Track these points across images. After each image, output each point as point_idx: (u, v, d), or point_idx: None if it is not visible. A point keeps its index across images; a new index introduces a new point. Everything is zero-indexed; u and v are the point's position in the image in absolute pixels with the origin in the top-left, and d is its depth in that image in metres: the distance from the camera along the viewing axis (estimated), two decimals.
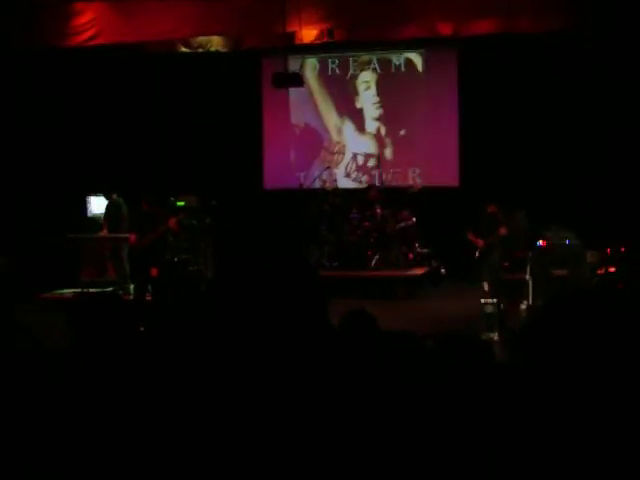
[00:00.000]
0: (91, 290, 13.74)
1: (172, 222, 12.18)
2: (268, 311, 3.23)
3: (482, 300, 10.55)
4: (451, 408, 3.04)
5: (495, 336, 9.94)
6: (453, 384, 3.11)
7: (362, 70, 16.77)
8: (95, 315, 3.99)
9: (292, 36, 14.30)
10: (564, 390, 3.20)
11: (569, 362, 3.19)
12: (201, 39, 15.15)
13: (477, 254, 12.73)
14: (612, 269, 12.00)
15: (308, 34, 14.46)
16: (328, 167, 16.40)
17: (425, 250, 14.97)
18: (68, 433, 3.25)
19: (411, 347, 3.27)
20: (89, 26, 15.02)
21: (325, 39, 14.61)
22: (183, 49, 15.33)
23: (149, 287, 12.23)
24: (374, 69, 16.70)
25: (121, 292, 13.58)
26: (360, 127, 16.83)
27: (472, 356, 3.36)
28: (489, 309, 10.12)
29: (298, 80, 14.12)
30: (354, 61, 16.76)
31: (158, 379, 3.59)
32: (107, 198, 14.15)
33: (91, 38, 14.96)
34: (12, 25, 14.54)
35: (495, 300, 10.28)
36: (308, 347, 3.16)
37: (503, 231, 12.52)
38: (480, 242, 12.64)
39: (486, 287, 12.34)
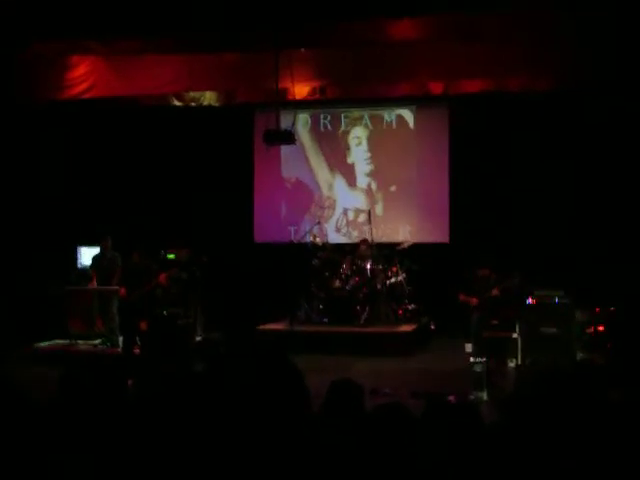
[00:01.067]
0: (80, 342, 13.75)
1: (162, 277, 12.21)
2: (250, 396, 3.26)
3: (471, 359, 10.57)
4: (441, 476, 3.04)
5: (484, 395, 9.94)
6: (442, 455, 3.11)
7: (354, 126, 16.90)
8: (85, 372, 3.98)
9: (284, 92, 14.42)
10: (548, 453, 3.21)
11: (553, 428, 3.20)
12: (194, 94, 15.26)
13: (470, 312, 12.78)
14: (601, 328, 12.01)
15: (300, 90, 14.57)
16: (319, 222, 16.42)
17: (415, 306, 14.94)
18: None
19: (399, 420, 3.27)
20: (83, 79, 15.11)
21: (317, 96, 14.74)
22: (176, 103, 15.43)
23: (138, 340, 12.20)
24: (365, 125, 16.83)
25: (109, 344, 13.56)
26: (351, 182, 16.91)
27: (460, 422, 3.36)
28: (478, 368, 10.12)
29: (290, 138, 14.17)
30: (346, 117, 16.90)
31: (146, 433, 3.59)
32: (102, 249, 14.12)
33: (85, 91, 15.03)
34: (9, 78, 14.60)
35: (484, 359, 10.28)
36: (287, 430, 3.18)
37: (495, 292, 12.58)
38: (474, 300, 12.68)
39: (468, 349, 12.39)
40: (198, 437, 3.51)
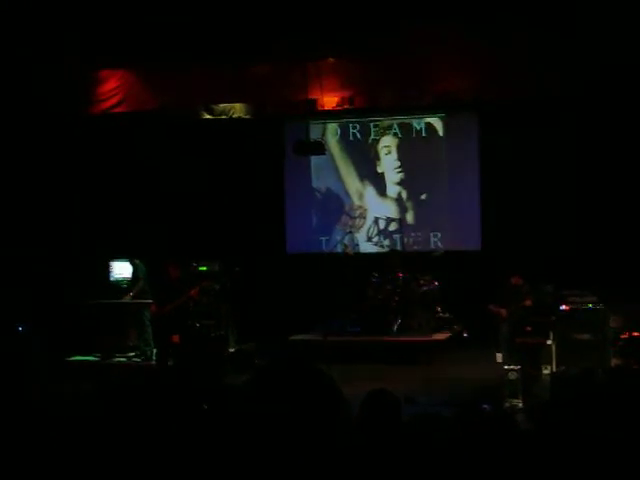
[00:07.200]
0: (113, 356, 13.82)
1: (194, 292, 12.23)
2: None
3: (505, 367, 10.51)
4: None
5: (520, 403, 9.86)
6: (479, 463, 3.10)
7: (383, 135, 16.86)
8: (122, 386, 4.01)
9: (314, 103, 14.46)
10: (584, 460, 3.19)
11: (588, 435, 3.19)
12: (224, 106, 15.30)
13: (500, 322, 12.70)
14: (636, 333, 11.91)
15: (329, 101, 14.59)
16: (350, 231, 16.40)
17: (447, 314, 14.88)
18: None
19: (436, 430, 3.26)
20: (113, 93, 15.24)
21: (346, 106, 14.73)
22: (206, 116, 15.49)
23: (171, 353, 12.20)
24: (395, 134, 16.79)
25: (143, 358, 13.61)
26: (381, 191, 16.88)
27: (495, 430, 3.35)
28: (512, 375, 10.06)
29: (320, 148, 14.17)
30: (375, 126, 16.86)
31: (183, 446, 3.61)
32: (131, 263, 14.22)
33: (115, 105, 15.17)
34: (46, 91, 14.70)
35: (518, 366, 10.22)
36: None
37: (528, 302, 12.52)
38: (503, 312, 12.60)
39: (499, 359, 12.31)
40: (236, 449, 3.53)
